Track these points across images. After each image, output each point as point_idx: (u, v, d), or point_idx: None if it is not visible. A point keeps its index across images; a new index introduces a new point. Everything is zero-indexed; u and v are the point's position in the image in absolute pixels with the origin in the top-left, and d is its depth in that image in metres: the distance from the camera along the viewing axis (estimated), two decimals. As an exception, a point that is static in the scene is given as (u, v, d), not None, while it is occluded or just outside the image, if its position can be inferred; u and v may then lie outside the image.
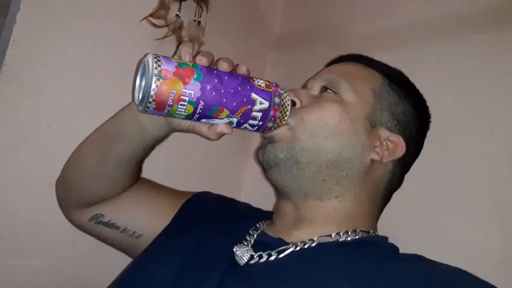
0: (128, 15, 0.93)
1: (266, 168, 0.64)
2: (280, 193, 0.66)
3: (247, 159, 1.25)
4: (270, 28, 1.30)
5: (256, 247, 0.61)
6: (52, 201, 0.83)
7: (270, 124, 0.57)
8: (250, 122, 0.56)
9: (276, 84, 0.59)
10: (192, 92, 0.51)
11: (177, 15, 0.99)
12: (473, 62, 0.84)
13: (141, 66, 0.55)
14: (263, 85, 0.56)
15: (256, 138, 1.23)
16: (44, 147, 0.84)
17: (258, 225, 0.69)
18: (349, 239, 0.59)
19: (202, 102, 0.51)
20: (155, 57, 0.51)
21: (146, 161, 0.73)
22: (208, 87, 0.51)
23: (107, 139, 0.68)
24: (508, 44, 0.79)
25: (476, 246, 0.75)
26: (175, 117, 0.53)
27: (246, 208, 0.83)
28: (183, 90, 0.50)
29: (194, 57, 0.55)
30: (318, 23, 1.21)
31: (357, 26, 1.08)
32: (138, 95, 0.54)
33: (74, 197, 0.74)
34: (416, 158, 0.70)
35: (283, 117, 0.57)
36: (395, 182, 0.67)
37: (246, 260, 0.58)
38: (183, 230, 0.70)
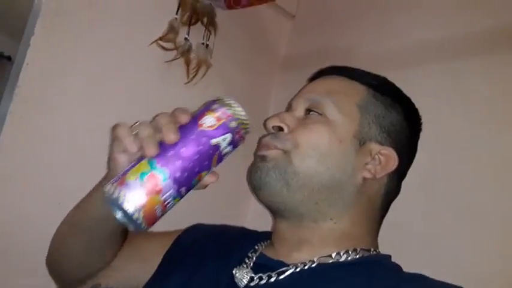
0: (138, 38, 0.96)
1: (256, 189, 0.63)
2: (275, 213, 0.65)
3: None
4: (276, 49, 1.32)
5: (255, 269, 0.60)
6: (61, 219, 0.84)
7: (241, 142, 0.56)
8: (226, 156, 0.55)
9: (220, 103, 0.56)
10: (170, 191, 0.49)
11: (185, 38, 1.01)
12: (482, 82, 0.84)
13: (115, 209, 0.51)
14: (214, 122, 0.53)
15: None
16: (54, 166, 0.85)
17: (256, 247, 0.67)
18: (349, 258, 0.59)
19: (182, 187, 0.51)
20: (123, 200, 0.47)
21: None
22: (178, 174, 0.49)
23: (88, 229, 0.67)
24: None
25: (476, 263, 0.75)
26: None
27: (241, 231, 0.82)
28: (162, 198, 0.49)
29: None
30: (324, 44, 1.23)
31: (363, 47, 1.10)
32: (126, 221, 0.51)
33: (66, 280, 0.74)
34: (412, 162, 0.69)
35: (247, 128, 0.56)
36: (392, 193, 0.66)
37: (246, 282, 0.58)
38: (174, 266, 0.69)
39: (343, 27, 1.18)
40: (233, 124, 0.54)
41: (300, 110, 0.66)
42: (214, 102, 0.57)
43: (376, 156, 0.62)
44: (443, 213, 0.83)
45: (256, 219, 1.19)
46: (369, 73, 0.68)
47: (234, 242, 0.71)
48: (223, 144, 0.53)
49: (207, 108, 0.56)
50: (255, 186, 0.62)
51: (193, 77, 1.04)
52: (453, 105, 0.87)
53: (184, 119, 0.53)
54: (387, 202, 0.66)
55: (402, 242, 0.78)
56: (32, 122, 0.82)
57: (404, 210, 0.72)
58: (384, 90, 0.65)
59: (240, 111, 0.56)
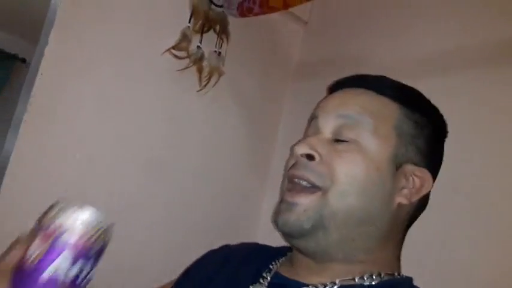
0: (151, 47, 0.96)
1: (287, 236, 0.59)
2: (303, 252, 0.60)
3: (264, 185, 1.24)
4: (289, 56, 1.31)
5: None
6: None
7: (95, 249, 0.45)
8: (86, 281, 0.43)
9: (45, 218, 0.43)
10: None
11: (198, 46, 1.01)
12: (500, 92, 0.83)
13: None
14: (40, 248, 0.41)
15: (274, 170, 1.23)
16: (67, 175, 0.86)
17: (271, 266, 0.65)
18: (373, 283, 0.56)
19: None
20: None
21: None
22: None
23: None
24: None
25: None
26: None
27: (255, 248, 0.77)
28: None
29: None
30: (337, 51, 1.22)
31: (376, 55, 1.09)
32: None
33: None
34: (440, 169, 0.65)
35: (98, 229, 0.45)
36: (421, 209, 0.63)
37: None
38: None
39: (356, 34, 1.17)
40: (66, 237, 0.41)
41: (328, 131, 0.60)
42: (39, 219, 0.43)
43: (411, 178, 0.58)
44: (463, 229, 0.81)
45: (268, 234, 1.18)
46: (398, 86, 0.63)
47: (246, 260, 0.69)
48: (65, 269, 0.39)
49: (33, 231, 0.42)
50: (287, 233, 0.58)
51: (206, 84, 1.04)
52: (471, 116, 0.85)
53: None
54: (414, 219, 0.63)
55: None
56: (46, 130, 0.83)
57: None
58: (414, 106, 0.61)
59: (74, 212, 0.43)
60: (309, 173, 0.57)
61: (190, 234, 1.06)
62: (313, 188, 0.56)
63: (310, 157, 0.58)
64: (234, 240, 0.89)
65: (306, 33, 1.34)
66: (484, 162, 0.82)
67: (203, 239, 1.07)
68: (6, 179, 0.78)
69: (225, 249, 0.78)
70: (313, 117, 0.64)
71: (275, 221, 0.59)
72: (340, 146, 0.58)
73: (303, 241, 0.57)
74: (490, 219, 0.78)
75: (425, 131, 0.60)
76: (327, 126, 0.60)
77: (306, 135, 0.64)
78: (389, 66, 1.03)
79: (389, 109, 0.60)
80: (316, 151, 0.58)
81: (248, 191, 1.20)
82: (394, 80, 0.64)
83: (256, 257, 0.70)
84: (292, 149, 0.60)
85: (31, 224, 0.80)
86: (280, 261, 0.67)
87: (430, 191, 0.62)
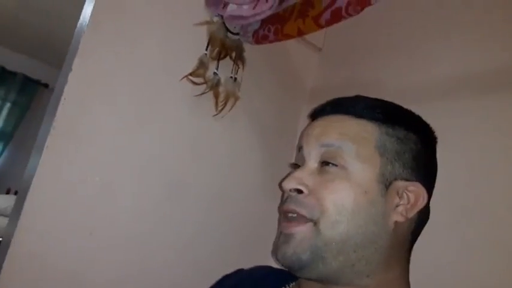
0: (169, 73, 0.99)
1: (288, 268, 0.60)
2: (307, 280, 0.62)
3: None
4: (303, 82, 1.34)
5: None
6: (92, 250, 0.86)
7: None
8: None
9: None
10: None
11: (214, 73, 1.04)
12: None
13: None
14: None
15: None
16: (87, 198, 0.88)
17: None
18: None
19: None
20: None
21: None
22: None
23: None
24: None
25: None
26: None
27: (268, 272, 0.77)
28: None
29: None
30: (351, 76, 1.24)
31: (391, 80, 1.10)
32: None
33: None
34: (435, 180, 0.65)
35: None
36: (422, 223, 0.63)
37: None
38: None
39: (370, 60, 1.19)
40: None
41: (313, 161, 0.62)
42: None
43: (404, 195, 0.59)
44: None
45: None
46: (374, 106, 0.63)
47: (258, 285, 0.70)
48: None
49: None
50: (287, 266, 0.59)
51: (222, 109, 1.06)
52: (485, 140, 0.85)
53: None
54: (418, 234, 0.63)
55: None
56: (68, 154, 0.85)
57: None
58: (393, 122, 0.61)
59: None
60: (299, 207, 0.58)
61: (207, 255, 1.07)
62: (305, 219, 0.58)
63: (298, 191, 0.60)
64: (248, 262, 0.90)
65: (320, 59, 1.36)
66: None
67: (218, 261, 1.08)
68: (28, 202, 0.81)
69: (239, 273, 0.79)
70: (299, 147, 0.66)
71: (275, 255, 0.61)
72: (327, 175, 0.59)
73: (305, 272, 0.58)
74: (505, 239, 0.77)
75: (410, 144, 0.60)
76: (311, 156, 0.62)
77: (294, 165, 0.66)
78: (403, 90, 1.04)
79: (368, 130, 0.60)
80: (304, 184, 0.59)
81: (263, 214, 1.21)
82: (370, 100, 0.64)
83: (268, 280, 0.71)
84: (280, 185, 0.62)
85: (50, 244, 0.83)
86: (291, 285, 0.68)
87: (428, 203, 0.62)
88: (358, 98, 0.65)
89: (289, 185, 0.60)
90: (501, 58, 0.88)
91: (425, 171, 0.61)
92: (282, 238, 0.60)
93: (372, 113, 0.61)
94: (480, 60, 0.91)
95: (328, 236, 0.56)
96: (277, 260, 0.60)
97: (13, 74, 4.14)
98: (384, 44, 1.16)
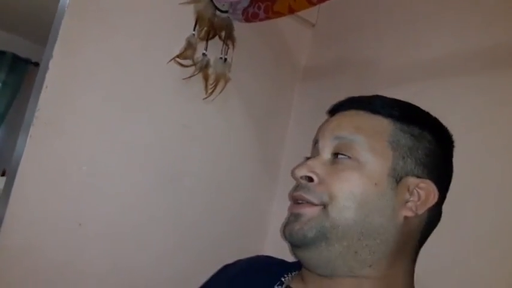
0: (156, 56, 0.95)
1: (293, 246, 0.61)
2: (309, 266, 0.62)
3: (273, 191, 1.23)
4: (296, 60, 1.30)
5: None
6: (81, 240, 0.84)
7: None
8: None
9: None
10: None
11: (203, 54, 1.00)
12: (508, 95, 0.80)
13: None
14: None
15: (283, 175, 1.22)
16: (74, 188, 0.86)
17: (283, 279, 0.66)
18: None
19: None
20: None
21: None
22: None
23: None
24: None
25: None
26: None
27: (266, 262, 0.78)
28: None
29: None
30: (345, 53, 1.20)
31: (384, 58, 1.06)
32: None
33: None
34: (450, 183, 0.65)
35: None
36: (433, 222, 0.63)
37: None
38: None
39: (364, 37, 1.15)
40: None
41: (327, 152, 0.63)
42: None
43: (415, 191, 0.59)
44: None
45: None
46: (390, 103, 0.64)
47: (258, 273, 0.70)
48: None
49: None
50: (293, 244, 0.61)
51: (212, 92, 1.03)
52: (480, 120, 0.82)
53: None
54: (427, 234, 0.63)
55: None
56: (52, 143, 0.83)
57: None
58: (409, 120, 0.62)
59: None
60: (308, 194, 0.60)
61: (199, 243, 1.06)
62: (314, 204, 0.59)
63: (309, 179, 0.61)
64: (242, 249, 0.89)
65: (313, 36, 1.32)
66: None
67: (212, 247, 1.07)
68: (15, 192, 0.79)
69: (238, 263, 0.78)
70: (315, 141, 0.68)
71: (283, 232, 0.62)
72: (338, 166, 0.60)
73: (307, 251, 0.59)
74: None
75: (424, 143, 0.61)
76: (325, 148, 0.63)
77: (309, 159, 0.67)
78: (397, 68, 1.02)
79: (382, 126, 0.62)
80: (315, 172, 0.61)
81: (258, 195, 1.20)
82: (389, 99, 0.65)
83: (267, 270, 0.71)
84: (292, 172, 0.63)
85: (39, 234, 0.81)
86: (292, 274, 0.68)
87: (441, 204, 0.62)
88: (376, 96, 0.66)
89: (300, 172, 0.61)
90: (499, 35, 0.85)
91: (438, 171, 0.61)
92: (290, 217, 0.62)
93: (388, 110, 0.63)
94: (476, 38, 0.88)
95: (336, 219, 0.57)
96: (284, 236, 0.62)
97: (2, 53, 4.05)
98: (379, 20, 1.12)
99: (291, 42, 1.28)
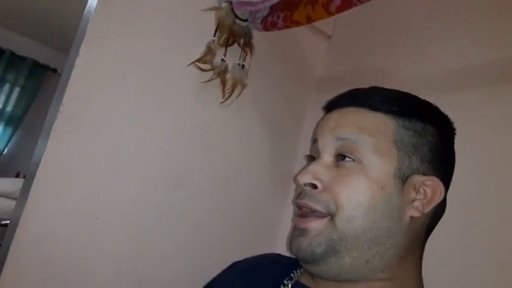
0: (176, 59, 0.98)
1: (302, 261, 0.59)
2: (319, 277, 0.60)
3: (286, 196, 1.25)
4: (312, 70, 1.32)
5: None
6: (98, 233, 0.87)
7: None
8: None
9: None
10: None
11: (222, 59, 1.03)
12: None
13: None
14: None
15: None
16: (93, 183, 0.88)
17: (292, 275, 0.65)
18: None
19: None
20: None
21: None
22: None
23: None
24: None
25: None
26: None
27: (275, 259, 0.77)
28: None
29: None
30: (360, 65, 1.22)
31: (399, 69, 1.08)
32: None
33: None
34: (453, 172, 0.63)
35: None
36: (438, 216, 0.61)
37: None
38: None
39: (380, 48, 1.17)
40: None
41: (329, 154, 0.60)
42: None
43: (421, 189, 0.57)
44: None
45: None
46: (390, 98, 0.61)
47: (267, 269, 0.70)
48: None
49: None
50: (301, 259, 0.59)
51: (229, 96, 1.06)
52: (495, 133, 0.83)
53: None
54: (433, 227, 0.62)
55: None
56: (74, 138, 0.86)
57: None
58: (411, 114, 0.60)
59: None
60: (313, 202, 0.58)
61: (211, 244, 1.08)
62: (320, 213, 0.57)
63: (313, 186, 0.58)
64: (253, 251, 0.90)
65: (329, 47, 1.35)
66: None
67: (223, 250, 1.08)
68: (35, 185, 0.81)
69: (248, 260, 0.78)
70: (313, 140, 0.64)
71: (289, 247, 0.60)
72: (343, 170, 0.58)
73: (317, 267, 0.57)
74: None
75: (428, 137, 0.59)
76: (327, 149, 0.60)
77: (309, 157, 0.65)
78: (413, 79, 1.03)
79: (385, 124, 0.59)
80: (319, 179, 0.58)
81: (269, 202, 1.21)
82: (387, 91, 0.63)
83: (277, 265, 0.71)
84: (295, 179, 0.61)
85: (56, 228, 0.84)
86: (301, 270, 0.67)
87: (445, 197, 0.60)
88: (374, 90, 0.63)
89: (303, 179, 0.59)
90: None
91: (442, 164, 0.60)
92: (296, 232, 0.59)
93: (388, 106, 0.60)
94: (494, 49, 0.89)
95: (344, 231, 0.55)
96: (290, 251, 0.60)
97: (22, 58, 4.16)
98: (395, 31, 1.14)
99: (307, 53, 1.31)
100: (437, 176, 0.58)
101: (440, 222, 0.63)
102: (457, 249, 0.82)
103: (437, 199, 0.57)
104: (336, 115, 0.62)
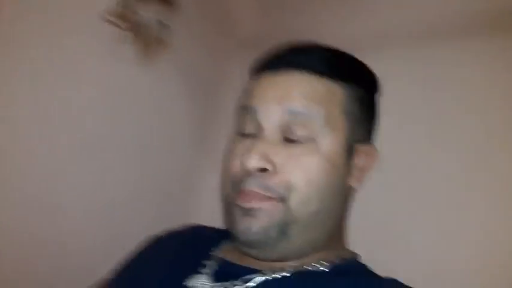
0: (86, 13, 0.87)
1: (246, 246, 0.53)
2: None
3: (208, 161, 1.22)
4: (239, 29, 1.26)
5: (216, 277, 0.54)
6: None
7: None
8: None
9: None
10: None
11: (140, 15, 0.94)
12: (460, 65, 0.83)
13: None
14: None
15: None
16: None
17: (211, 254, 0.61)
18: (328, 267, 0.53)
19: None
20: None
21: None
22: None
23: None
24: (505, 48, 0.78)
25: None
26: None
27: (194, 231, 0.72)
28: None
29: None
30: (289, 23, 1.18)
31: (330, 27, 1.06)
32: None
33: None
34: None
35: None
36: None
37: None
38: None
39: (311, 4, 1.13)
40: None
41: (275, 127, 0.53)
42: None
43: (362, 159, 0.56)
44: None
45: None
46: (332, 59, 0.57)
47: (184, 247, 0.65)
48: None
49: None
50: (246, 244, 0.53)
51: (147, 56, 0.98)
52: (434, 89, 0.85)
53: None
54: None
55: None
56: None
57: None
58: (354, 81, 0.56)
59: None
60: (265, 190, 0.51)
61: (127, 213, 1.03)
62: (271, 198, 0.52)
63: (263, 169, 0.52)
64: (173, 220, 0.87)
65: (257, 4, 1.29)
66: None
67: (140, 220, 1.04)
68: None
69: (170, 233, 0.73)
70: (247, 108, 0.56)
71: (232, 230, 0.54)
72: (296, 149, 0.52)
73: (262, 250, 0.52)
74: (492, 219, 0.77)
75: (365, 104, 0.58)
76: (272, 122, 0.53)
77: (241, 130, 0.58)
78: (343, 38, 1.01)
79: (333, 93, 0.54)
80: (270, 161, 0.51)
81: (190, 170, 1.18)
82: (326, 51, 0.58)
83: (198, 241, 0.66)
84: (242, 163, 0.53)
85: (13, 220, 0.74)
86: (225, 244, 0.62)
87: None
88: (313, 49, 0.58)
89: (252, 162, 0.51)
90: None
91: (374, 130, 0.60)
92: (240, 211, 0.52)
93: (334, 70, 0.55)
94: (427, 6, 0.90)
95: (298, 214, 0.51)
96: (235, 235, 0.54)
97: None
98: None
99: (234, 10, 1.24)
100: (372, 143, 0.59)
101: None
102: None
103: (373, 165, 0.58)
104: (280, 81, 0.55)
